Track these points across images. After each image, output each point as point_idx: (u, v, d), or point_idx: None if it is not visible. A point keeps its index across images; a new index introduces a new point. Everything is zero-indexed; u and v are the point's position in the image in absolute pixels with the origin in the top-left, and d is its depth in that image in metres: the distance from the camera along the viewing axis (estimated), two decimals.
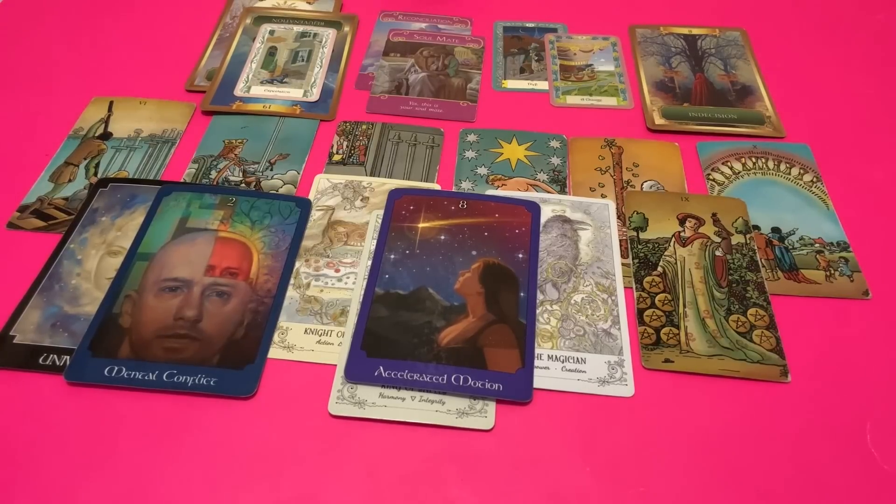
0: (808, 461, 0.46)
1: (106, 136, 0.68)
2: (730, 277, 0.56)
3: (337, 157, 0.66)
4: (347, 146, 0.67)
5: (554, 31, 0.82)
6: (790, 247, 0.59)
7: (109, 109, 0.71)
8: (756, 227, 0.60)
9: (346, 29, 0.81)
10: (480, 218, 0.59)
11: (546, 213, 0.60)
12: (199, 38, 0.80)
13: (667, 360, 0.51)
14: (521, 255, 0.56)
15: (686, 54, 0.78)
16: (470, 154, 0.67)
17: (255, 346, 0.51)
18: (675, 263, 0.57)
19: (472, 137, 0.68)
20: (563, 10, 0.85)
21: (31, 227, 0.59)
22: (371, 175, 0.65)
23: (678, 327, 0.53)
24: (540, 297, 0.54)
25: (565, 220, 0.60)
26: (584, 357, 0.51)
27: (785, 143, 0.68)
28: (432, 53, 0.78)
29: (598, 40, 0.80)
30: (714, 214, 0.60)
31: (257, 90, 0.73)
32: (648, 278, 0.56)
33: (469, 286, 0.54)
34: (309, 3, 0.86)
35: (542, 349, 0.51)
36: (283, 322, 0.53)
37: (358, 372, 0.49)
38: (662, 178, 0.64)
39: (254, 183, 0.64)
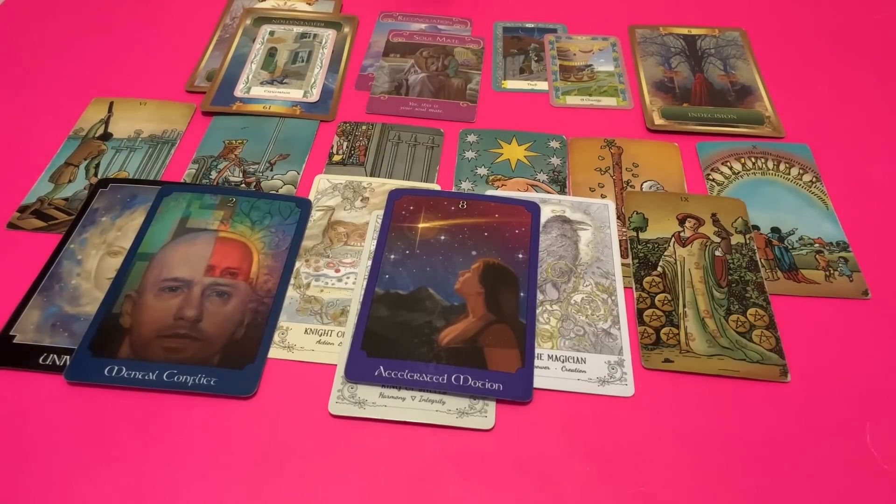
0: (808, 461, 0.46)
1: (106, 136, 0.68)
2: (729, 277, 0.56)
3: (337, 158, 0.66)
4: (347, 146, 0.67)
5: (554, 31, 0.82)
6: (790, 247, 0.59)
7: (109, 110, 0.71)
8: (756, 227, 0.60)
9: (346, 30, 0.81)
10: (480, 218, 0.59)
11: (546, 213, 0.60)
12: (199, 38, 0.80)
13: (667, 360, 0.51)
14: (521, 256, 0.56)
15: (686, 54, 0.78)
16: (470, 154, 0.67)
17: (255, 346, 0.51)
18: (675, 263, 0.57)
19: (471, 138, 0.68)
20: (562, 11, 0.85)
21: (31, 228, 0.59)
22: (371, 175, 0.65)
23: (678, 327, 0.53)
24: (540, 297, 0.54)
25: (565, 221, 0.60)
26: (584, 357, 0.51)
27: (784, 143, 0.68)
28: (432, 54, 0.78)
29: (598, 41, 0.80)
30: (714, 214, 0.60)
31: (257, 91, 0.73)
32: (648, 278, 0.56)
33: (469, 286, 0.54)
34: (309, 3, 0.86)
35: (542, 349, 0.51)
36: (283, 322, 0.53)
37: (358, 372, 0.49)
38: (662, 179, 0.64)
39: (254, 183, 0.64)
